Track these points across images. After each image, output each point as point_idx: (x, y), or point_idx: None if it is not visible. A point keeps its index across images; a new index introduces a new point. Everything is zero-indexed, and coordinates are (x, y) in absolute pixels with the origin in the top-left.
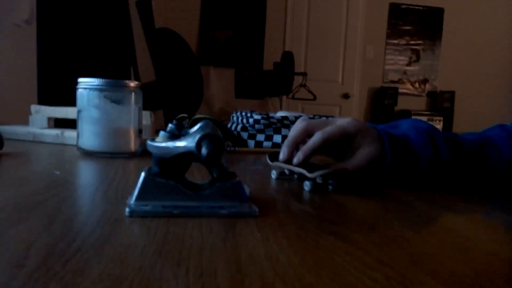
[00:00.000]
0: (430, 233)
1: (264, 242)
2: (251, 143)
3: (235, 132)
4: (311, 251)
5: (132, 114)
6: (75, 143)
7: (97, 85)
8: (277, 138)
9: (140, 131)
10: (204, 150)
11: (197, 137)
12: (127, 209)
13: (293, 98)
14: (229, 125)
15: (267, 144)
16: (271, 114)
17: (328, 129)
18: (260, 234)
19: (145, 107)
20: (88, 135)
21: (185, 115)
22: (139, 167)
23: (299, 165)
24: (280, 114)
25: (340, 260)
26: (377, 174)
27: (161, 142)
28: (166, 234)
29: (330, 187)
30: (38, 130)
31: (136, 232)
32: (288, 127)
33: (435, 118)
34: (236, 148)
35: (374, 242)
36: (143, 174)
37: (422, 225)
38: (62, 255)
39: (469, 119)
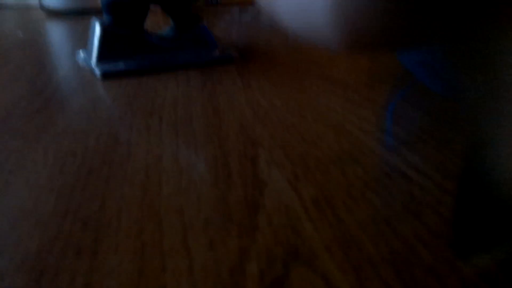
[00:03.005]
0: None
1: (245, 89)
2: None
3: None
4: (295, 94)
5: None
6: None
7: None
8: None
9: None
10: None
11: None
12: (97, 70)
13: None
14: None
15: None
16: None
17: None
18: (241, 80)
19: None
20: None
21: None
22: None
23: None
24: None
25: (325, 101)
26: None
27: None
28: (138, 87)
29: None
30: None
31: (106, 87)
32: None
33: None
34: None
35: (364, 83)
36: (98, 28)
37: None
38: (25, 113)
39: None
